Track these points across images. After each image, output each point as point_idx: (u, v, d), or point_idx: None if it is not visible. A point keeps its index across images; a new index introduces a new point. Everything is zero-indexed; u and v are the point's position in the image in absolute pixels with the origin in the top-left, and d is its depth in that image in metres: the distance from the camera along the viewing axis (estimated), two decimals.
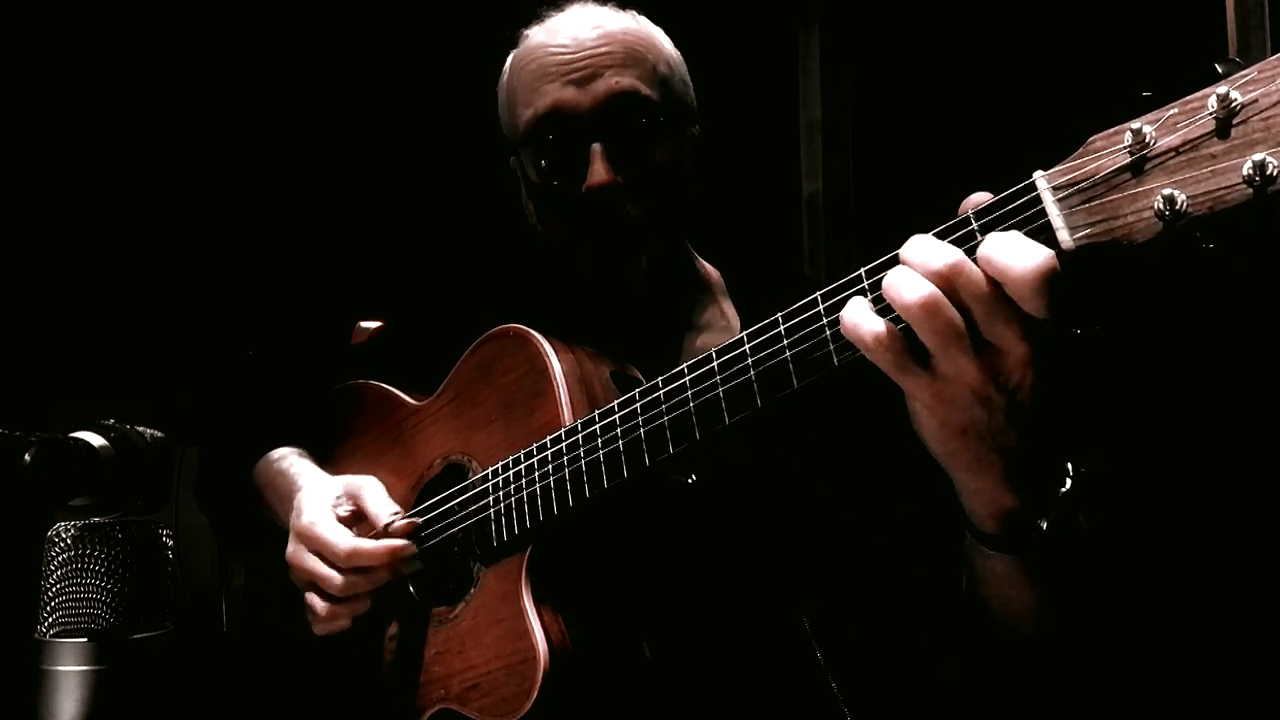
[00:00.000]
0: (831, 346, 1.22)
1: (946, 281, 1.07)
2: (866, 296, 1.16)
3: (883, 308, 1.13)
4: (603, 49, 1.69)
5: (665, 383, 1.40)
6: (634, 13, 1.79)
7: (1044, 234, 1.05)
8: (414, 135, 4.04)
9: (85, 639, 1.58)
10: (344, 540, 1.61)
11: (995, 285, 1.06)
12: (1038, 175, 1.07)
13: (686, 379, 1.37)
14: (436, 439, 1.76)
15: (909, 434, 1.27)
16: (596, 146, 1.65)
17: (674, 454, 1.36)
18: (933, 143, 3.63)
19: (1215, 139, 0.95)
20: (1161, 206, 0.97)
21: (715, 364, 1.34)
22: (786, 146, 4.11)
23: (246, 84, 4.02)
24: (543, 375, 1.58)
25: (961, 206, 1.12)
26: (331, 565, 1.62)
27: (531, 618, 1.47)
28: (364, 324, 2.23)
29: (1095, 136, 1.05)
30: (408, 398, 1.85)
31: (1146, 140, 1.00)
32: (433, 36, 3.96)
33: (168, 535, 1.71)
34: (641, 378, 1.57)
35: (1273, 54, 0.95)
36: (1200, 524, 2.76)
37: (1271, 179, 0.91)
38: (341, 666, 1.79)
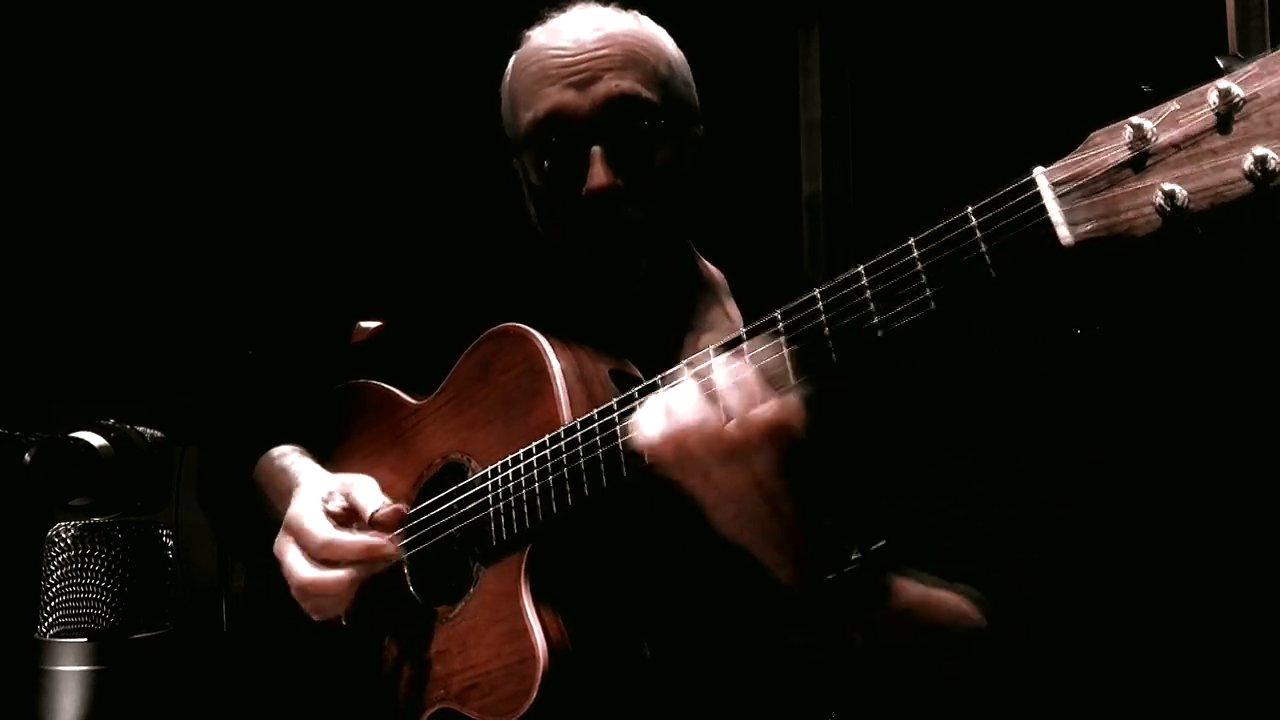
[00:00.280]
0: (831, 344, 1.23)
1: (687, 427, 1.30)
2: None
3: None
4: (603, 51, 1.69)
5: (665, 380, 1.40)
6: (636, 14, 1.79)
7: (1043, 230, 1.05)
8: (414, 135, 4.03)
9: (85, 639, 1.58)
10: (322, 531, 1.63)
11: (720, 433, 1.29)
12: (1037, 172, 1.08)
13: (687, 376, 1.37)
14: (436, 438, 1.76)
15: (906, 436, 1.31)
16: (596, 149, 1.65)
17: None
18: (933, 142, 3.63)
19: (1216, 134, 0.95)
20: (1162, 202, 0.97)
21: (713, 360, 1.34)
22: (786, 146, 4.10)
23: (247, 84, 4.02)
24: (542, 374, 1.58)
25: None
26: (310, 557, 1.63)
27: (531, 617, 1.47)
28: (364, 324, 2.23)
29: (1096, 132, 1.05)
30: (407, 397, 1.85)
31: (1147, 136, 0.99)
32: (434, 37, 3.96)
33: (168, 535, 1.71)
34: (641, 377, 1.57)
35: (1273, 50, 0.95)
36: (1199, 521, 2.76)
37: (1273, 174, 0.90)
38: (341, 666, 1.79)
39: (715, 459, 1.31)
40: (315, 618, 1.68)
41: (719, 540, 1.45)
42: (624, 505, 1.50)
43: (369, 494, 1.67)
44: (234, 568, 2.17)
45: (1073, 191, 1.04)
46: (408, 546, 1.71)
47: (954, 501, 1.64)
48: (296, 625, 1.79)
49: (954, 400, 1.76)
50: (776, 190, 4.05)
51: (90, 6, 3.83)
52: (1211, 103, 0.95)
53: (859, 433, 1.65)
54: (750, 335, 1.32)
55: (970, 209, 1.12)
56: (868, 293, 1.21)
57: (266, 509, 1.89)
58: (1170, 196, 0.96)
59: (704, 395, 1.31)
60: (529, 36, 1.79)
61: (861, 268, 1.22)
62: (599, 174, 1.64)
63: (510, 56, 1.84)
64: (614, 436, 1.42)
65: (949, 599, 1.55)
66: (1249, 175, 0.92)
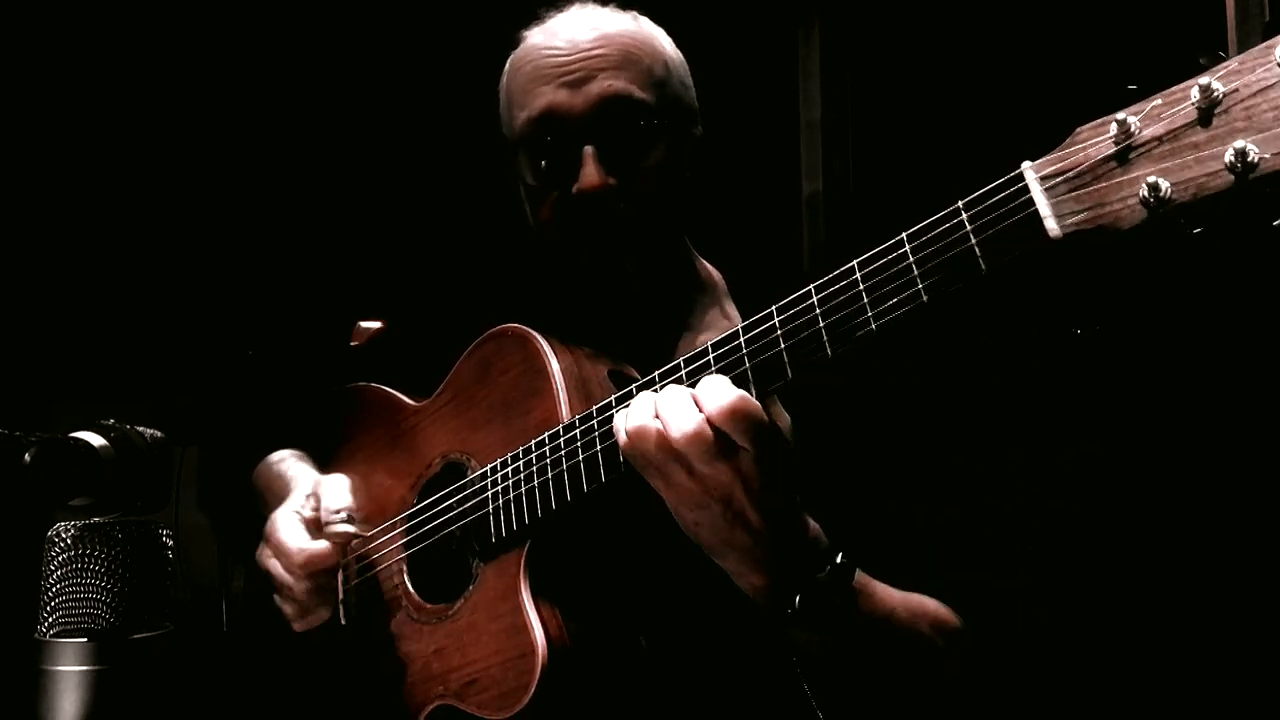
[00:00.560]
0: (825, 339, 1.24)
1: (662, 424, 1.31)
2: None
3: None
4: (597, 51, 1.70)
5: (662, 377, 1.41)
6: (634, 14, 1.79)
7: (1031, 223, 1.07)
8: (414, 136, 4.04)
9: (85, 639, 1.58)
10: (298, 546, 1.68)
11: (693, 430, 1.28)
12: (1025, 166, 1.09)
13: (683, 373, 1.38)
14: (436, 438, 1.77)
15: (906, 438, 1.32)
16: (589, 149, 1.66)
17: None
18: (932, 142, 3.64)
19: (1198, 128, 0.97)
20: (1146, 194, 0.98)
21: (711, 356, 1.35)
22: (786, 146, 4.11)
23: (247, 84, 4.03)
24: (541, 374, 1.58)
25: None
26: (290, 573, 1.69)
27: (530, 613, 1.48)
28: (364, 324, 2.23)
29: (1081, 127, 1.06)
30: (407, 399, 1.86)
31: (1131, 130, 1.01)
32: (433, 37, 3.97)
33: (168, 535, 1.71)
34: (639, 377, 1.58)
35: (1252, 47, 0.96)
36: (1196, 516, 2.76)
37: (1253, 165, 0.92)
38: (341, 664, 1.79)
39: (674, 463, 1.31)
40: (298, 627, 1.70)
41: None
42: (621, 501, 1.50)
43: (334, 496, 1.71)
44: (234, 568, 2.17)
45: (1060, 185, 1.06)
46: (407, 545, 1.72)
47: (945, 502, 1.65)
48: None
49: (942, 402, 1.77)
50: (776, 190, 4.06)
51: (90, 6, 3.84)
52: (1193, 98, 0.97)
53: (835, 444, 1.66)
54: (747, 331, 1.33)
55: (960, 203, 1.14)
56: (861, 287, 1.22)
57: (264, 512, 1.90)
58: (1154, 189, 0.98)
59: (672, 399, 1.32)
60: (525, 37, 1.80)
61: (855, 263, 1.24)
62: (591, 174, 1.65)
63: (508, 56, 1.85)
64: (611, 434, 1.43)
65: (928, 607, 1.56)
66: (1230, 167, 0.93)
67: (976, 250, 1.11)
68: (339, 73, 4.05)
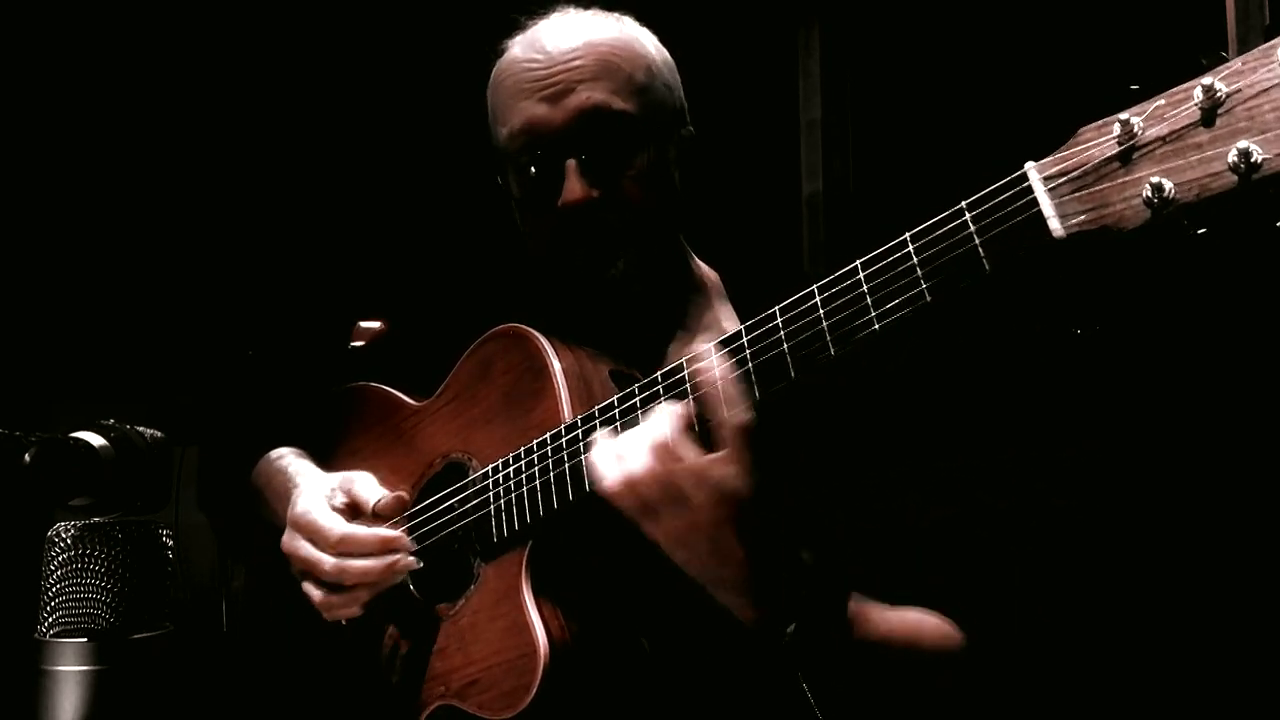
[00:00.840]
0: (828, 338, 1.25)
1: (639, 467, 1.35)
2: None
3: None
4: (576, 63, 1.68)
5: (664, 377, 1.41)
6: (619, 16, 1.78)
7: (1035, 223, 1.07)
8: (414, 136, 4.04)
9: (85, 639, 1.58)
10: (336, 526, 1.64)
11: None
12: (1029, 166, 1.09)
13: (685, 373, 1.38)
14: (437, 438, 1.77)
15: (907, 441, 1.32)
16: (571, 162, 1.65)
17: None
18: (932, 141, 3.64)
19: (1201, 128, 0.97)
20: (1150, 194, 0.98)
21: (714, 358, 1.36)
22: (786, 146, 4.11)
23: (247, 84, 4.03)
24: (542, 373, 1.58)
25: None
26: (322, 553, 1.64)
27: (531, 613, 1.48)
28: (364, 324, 2.23)
29: (1085, 128, 1.07)
30: (408, 399, 1.86)
31: (1134, 131, 1.01)
32: (433, 37, 3.96)
33: (168, 535, 1.71)
34: (640, 377, 1.58)
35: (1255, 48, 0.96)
36: (1195, 515, 2.76)
37: (1256, 166, 0.92)
38: (342, 664, 1.79)
39: (662, 503, 1.35)
40: (326, 616, 1.69)
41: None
42: None
43: (369, 488, 1.69)
44: (234, 568, 2.17)
45: (1063, 185, 1.06)
46: (414, 541, 1.72)
47: (943, 501, 1.65)
48: (296, 625, 1.80)
49: (940, 402, 1.77)
50: (776, 190, 4.06)
51: (90, 6, 3.83)
52: (1196, 98, 0.97)
53: (829, 451, 1.66)
54: (750, 331, 1.34)
55: (964, 203, 1.14)
56: (864, 287, 1.22)
57: (265, 510, 1.89)
58: (1158, 189, 0.98)
59: (653, 439, 1.35)
60: (508, 46, 1.79)
61: (858, 263, 1.24)
62: (574, 187, 1.65)
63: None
64: (614, 434, 1.43)
65: (925, 624, 1.56)
66: (1233, 168, 0.93)
67: (980, 250, 1.11)
68: (339, 74, 4.05)
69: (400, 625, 1.71)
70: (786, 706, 1.58)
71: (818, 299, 1.27)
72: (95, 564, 1.62)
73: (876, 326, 1.21)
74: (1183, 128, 0.98)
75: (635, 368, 1.64)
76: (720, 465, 1.33)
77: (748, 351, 1.33)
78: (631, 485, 1.36)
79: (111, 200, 3.96)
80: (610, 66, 1.70)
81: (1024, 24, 3.43)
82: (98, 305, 3.89)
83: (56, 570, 1.63)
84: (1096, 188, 1.03)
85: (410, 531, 1.71)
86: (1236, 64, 0.95)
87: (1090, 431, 2.77)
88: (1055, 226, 1.05)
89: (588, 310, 1.74)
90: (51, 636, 1.60)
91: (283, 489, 1.81)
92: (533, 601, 1.49)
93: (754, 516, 1.34)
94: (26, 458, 1.54)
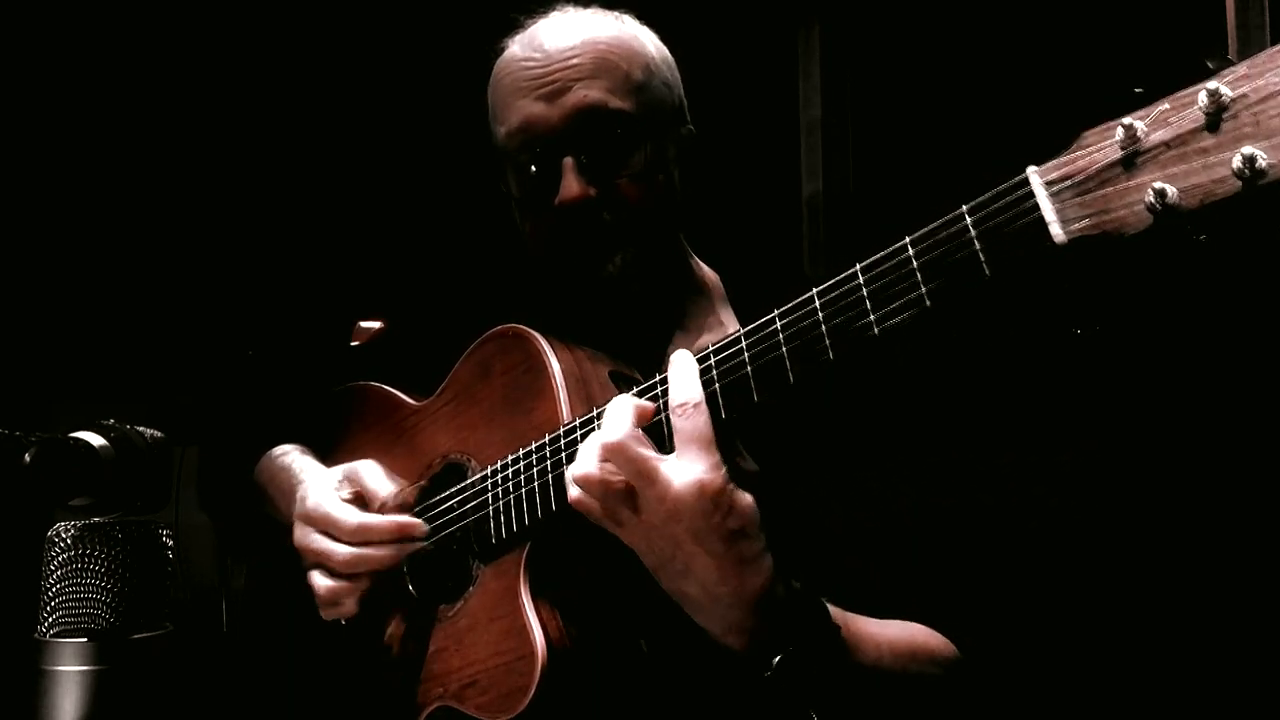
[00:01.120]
0: (827, 341, 1.24)
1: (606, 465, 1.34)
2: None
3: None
4: (572, 61, 1.69)
5: (663, 380, 1.40)
6: (618, 15, 1.78)
7: (1036, 229, 1.06)
8: (414, 136, 4.04)
9: (85, 639, 1.58)
10: (351, 516, 1.64)
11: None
12: (1030, 170, 1.09)
13: (681, 370, 1.38)
14: (436, 439, 1.77)
15: (907, 444, 1.31)
16: (568, 161, 1.66)
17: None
18: (932, 142, 3.64)
19: (1206, 133, 0.97)
20: (1153, 200, 0.98)
21: (713, 360, 1.35)
22: (786, 146, 4.11)
23: (247, 84, 4.02)
24: (542, 374, 1.58)
25: None
26: (336, 543, 1.65)
27: (529, 615, 1.47)
28: (364, 324, 2.23)
29: (1087, 132, 1.06)
30: (408, 398, 1.86)
31: (1138, 135, 1.00)
32: (433, 37, 3.96)
33: (168, 535, 1.70)
34: (640, 377, 1.58)
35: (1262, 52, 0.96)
36: (1194, 516, 2.77)
37: (1261, 172, 0.92)
38: (341, 665, 1.79)
39: (617, 505, 1.35)
40: (328, 613, 1.69)
41: None
42: None
43: (377, 478, 1.69)
44: (234, 568, 2.17)
45: (1065, 190, 1.05)
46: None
47: (940, 500, 1.65)
48: (296, 625, 1.80)
49: (937, 403, 1.76)
50: (776, 190, 4.06)
51: (90, 6, 3.83)
52: (1201, 103, 0.96)
53: (820, 471, 1.66)
54: (750, 335, 1.33)
55: (965, 207, 1.13)
56: (863, 291, 1.22)
57: (268, 508, 1.89)
58: (1161, 195, 0.97)
59: (603, 440, 1.34)
60: (507, 45, 1.79)
61: (858, 267, 1.23)
62: (571, 185, 1.65)
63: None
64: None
65: (918, 641, 1.56)
66: (1238, 174, 0.93)
67: (980, 255, 1.11)
68: (339, 73, 4.04)
69: (399, 626, 1.71)
70: (784, 709, 1.58)
71: (817, 302, 1.27)
72: (95, 564, 1.62)
73: (876, 330, 1.21)
74: (1187, 132, 0.97)
75: (635, 368, 1.65)
76: (671, 465, 1.31)
77: (746, 355, 1.33)
78: (586, 488, 1.35)
79: (111, 200, 3.96)
80: (608, 65, 1.70)
81: (1025, 24, 3.43)
82: (98, 305, 3.89)
83: (56, 570, 1.63)
84: (1098, 192, 1.03)
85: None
86: (1242, 68, 0.95)
87: (1088, 432, 2.77)
88: (1056, 231, 1.05)
89: (586, 310, 1.74)
90: (51, 636, 1.59)
91: (287, 485, 1.81)
92: (531, 603, 1.49)
93: (716, 526, 1.31)
94: (26, 458, 1.54)
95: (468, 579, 1.62)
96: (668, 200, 1.75)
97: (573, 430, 1.49)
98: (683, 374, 1.35)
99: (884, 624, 1.52)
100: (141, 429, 1.72)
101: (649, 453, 1.32)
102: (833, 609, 1.41)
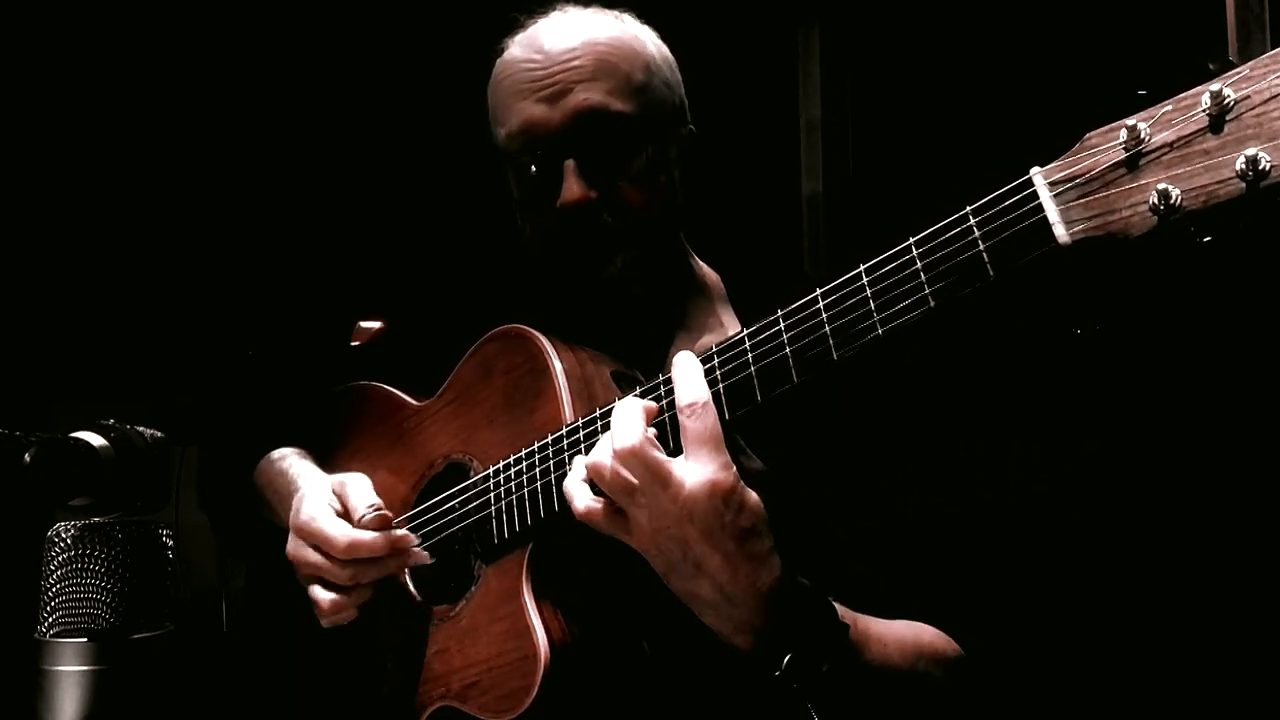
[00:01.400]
0: (831, 342, 1.24)
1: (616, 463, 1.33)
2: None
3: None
4: (574, 63, 1.68)
5: (666, 381, 1.40)
6: (618, 14, 1.78)
7: (1040, 230, 1.06)
8: (414, 136, 4.04)
9: (85, 639, 1.58)
10: (342, 533, 1.63)
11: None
12: (1034, 172, 1.09)
13: (690, 367, 1.38)
14: (438, 439, 1.76)
15: (910, 443, 1.31)
16: (569, 163, 1.65)
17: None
18: (932, 142, 3.64)
19: (1209, 135, 0.97)
20: (1156, 201, 0.98)
21: (716, 360, 1.35)
22: (786, 146, 4.11)
23: (247, 84, 4.02)
24: (544, 374, 1.58)
25: None
26: (330, 558, 1.64)
27: (532, 615, 1.47)
28: (364, 324, 2.23)
29: (1091, 133, 1.06)
30: (409, 398, 1.85)
31: (1141, 136, 1.01)
32: (432, 37, 3.96)
33: (168, 535, 1.70)
34: (642, 378, 1.58)
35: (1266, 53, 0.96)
36: (1195, 517, 2.77)
37: (1264, 174, 0.92)
38: (343, 665, 1.79)
39: (627, 507, 1.35)
40: (327, 621, 1.68)
41: None
42: None
43: (360, 494, 1.68)
44: (234, 568, 2.17)
45: (1069, 191, 1.05)
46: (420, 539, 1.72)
47: (943, 502, 1.65)
48: (296, 625, 1.79)
49: (939, 403, 1.76)
50: (776, 190, 4.06)
51: (90, 6, 3.83)
52: (1204, 104, 0.97)
53: (832, 457, 1.65)
54: (753, 335, 1.33)
55: (969, 209, 1.13)
56: (868, 293, 1.22)
57: (267, 511, 1.89)
58: (1164, 196, 0.97)
59: (614, 443, 1.34)
60: (507, 46, 1.79)
61: (862, 268, 1.23)
62: (572, 188, 1.64)
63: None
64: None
65: (924, 641, 1.55)
66: (1241, 175, 0.93)
67: (985, 257, 1.11)
68: (339, 73, 4.04)
69: (401, 626, 1.71)
70: (785, 711, 1.58)
71: (821, 303, 1.26)
72: (95, 564, 1.62)
73: (880, 331, 1.21)
74: (1190, 134, 0.97)
75: (637, 369, 1.64)
76: (682, 466, 1.32)
77: (749, 355, 1.33)
78: (601, 491, 1.36)
79: (111, 200, 3.95)
80: (608, 66, 1.69)
81: (1026, 25, 3.43)
82: (98, 305, 3.89)
83: (56, 570, 1.63)
84: (1102, 194, 1.03)
85: (411, 532, 1.71)
86: (1245, 69, 0.95)
87: (1089, 432, 2.78)
88: (1060, 233, 1.05)
89: (587, 311, 1.74)
90: (51, 636, 1.59)
91: (285, 491, 1.81)
92: (533, 604, 1.49)
93: (728, 525, 1.31)
94: (26, 458, 1.54)
95: (469, 579, 1.62)
96: (669, 201, 1.74)
97: (575, 430, 1.49)
98: (689, 374, 1.35)
99: (890, 624, 1.52)
100: (141, 429, 1.72)
101: (662, 455, 1.32)
102: (840, 608, 1.41)
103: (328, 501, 1.69)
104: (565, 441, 1.50)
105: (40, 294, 3.84)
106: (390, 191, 4.07)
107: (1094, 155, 1.04)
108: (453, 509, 1.66)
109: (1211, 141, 0.96)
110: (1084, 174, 1.05)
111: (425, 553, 1.66)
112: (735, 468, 1.32)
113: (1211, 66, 0.97)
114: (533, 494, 1.52)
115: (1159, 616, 2.76)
